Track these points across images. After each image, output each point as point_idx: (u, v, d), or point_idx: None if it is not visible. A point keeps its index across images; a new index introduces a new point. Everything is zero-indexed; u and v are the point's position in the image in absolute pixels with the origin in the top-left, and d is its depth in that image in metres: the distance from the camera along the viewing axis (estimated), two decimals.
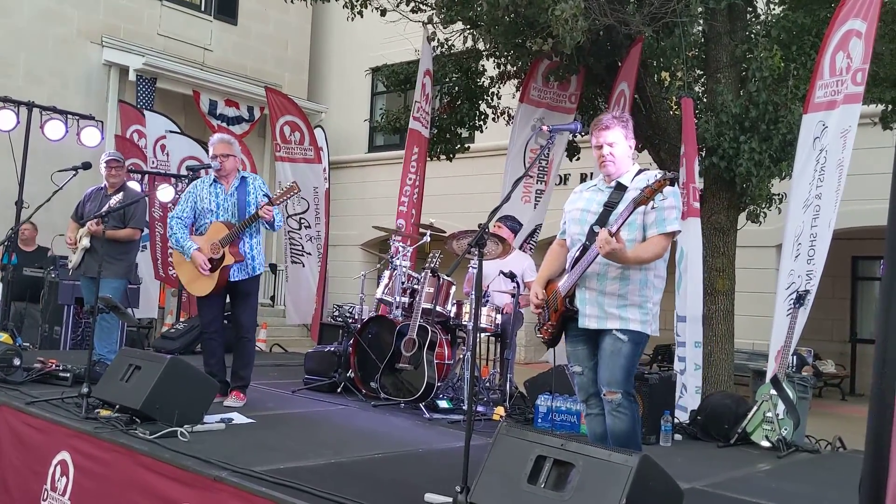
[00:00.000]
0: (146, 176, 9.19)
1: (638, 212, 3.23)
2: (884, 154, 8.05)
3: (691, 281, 5.80)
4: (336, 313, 6.78)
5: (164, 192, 8.84)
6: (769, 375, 5.28)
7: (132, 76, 12.79)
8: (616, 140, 3.37)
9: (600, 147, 3.39)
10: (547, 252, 3.65)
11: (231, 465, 3.28)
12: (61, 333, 7.50)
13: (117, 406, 4.07)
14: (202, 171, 7.93)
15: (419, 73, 8.12)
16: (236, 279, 4.98)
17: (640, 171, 3.29)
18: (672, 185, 3.13)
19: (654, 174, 3.23)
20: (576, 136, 7.72)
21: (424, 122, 8.16)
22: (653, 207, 3.20)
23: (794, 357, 7.95)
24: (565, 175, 11.63)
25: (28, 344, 7.58)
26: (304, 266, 9.23)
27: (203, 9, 14.93)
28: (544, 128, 3.55)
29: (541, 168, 7.69)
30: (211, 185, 5.09)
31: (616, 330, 3.27)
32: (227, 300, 5.20)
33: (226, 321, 5.28)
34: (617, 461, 2.52)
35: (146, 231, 9.05)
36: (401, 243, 6.19)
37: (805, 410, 5.04)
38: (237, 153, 5.13)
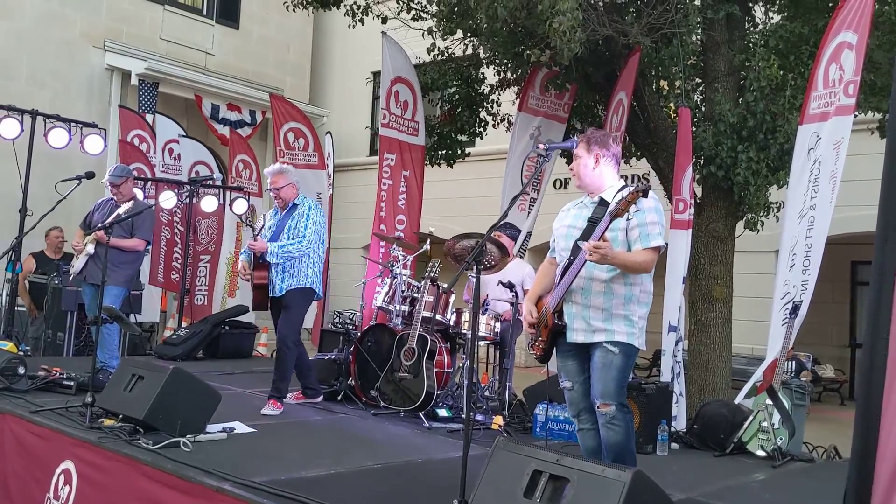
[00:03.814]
0: (149, 182, 9.25)
1: (620, 228, 3.32)
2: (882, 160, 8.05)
3: (670, 293, 5.84)
4: (337, 320, 6.83)
5: (167, 199, 8.86)
6: (748, 386, 5.37)
7: (134, 80, 12.84)
8: (580, 154, 3.53)
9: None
10: (538, 270, 3.73)
11: (232, 476, 3.35)
12: (64, 339, 7.55)
13: (121, 416, 4.14)
14: (207, 181, 8.08)
15: (383, 82, 8.08)
16: (275, 295, 5.39)
17: (623, 187, 3.33)
18: (646, 196, 3.17)
19: (631, 188, 3.32)
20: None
21: (408, 129, 8.16)
22: (627, 219, 3.26)
23: (793, 362, 8.00)
24: (565, 179, 11.65)
25: (28, 348, 7.63)
26: None
27: (205, 13, 14.97)
28: (541, 146, 3.60)
29: (535, 179, 7.74)
30: (274, 208, 5.71)
31: (606, 342, 3.32)
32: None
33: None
34: (610, 476, 2.58)
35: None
36: (391, 247, 6.27)
37: (802, 418, 5.06)
38: (292, 179, 5.54)
